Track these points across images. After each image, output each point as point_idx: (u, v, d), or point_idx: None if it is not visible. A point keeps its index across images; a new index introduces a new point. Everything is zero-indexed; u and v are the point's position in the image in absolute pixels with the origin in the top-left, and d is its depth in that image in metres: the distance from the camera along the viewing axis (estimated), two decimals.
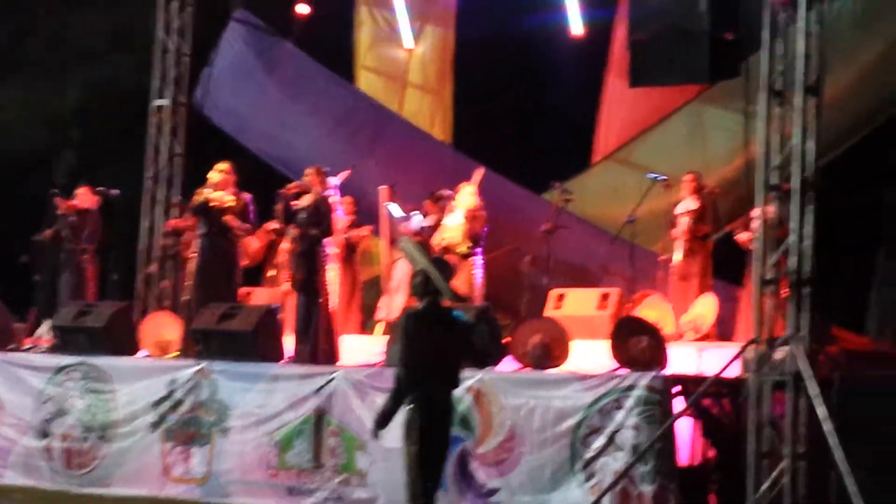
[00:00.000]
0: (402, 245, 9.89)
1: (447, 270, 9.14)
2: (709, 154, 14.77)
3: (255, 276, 15.03)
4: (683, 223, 13.46)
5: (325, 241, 12.67)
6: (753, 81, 10.68)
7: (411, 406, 8.66)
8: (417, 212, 14.65)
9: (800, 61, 10.27)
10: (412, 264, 9.26)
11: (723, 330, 12.97)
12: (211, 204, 12.90)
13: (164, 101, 16.58)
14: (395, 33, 17.62)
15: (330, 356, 12.31)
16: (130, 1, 18.67)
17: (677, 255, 13.39)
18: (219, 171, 13.06)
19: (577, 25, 16.00)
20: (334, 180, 13.26)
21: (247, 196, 13.10)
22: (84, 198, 14.92)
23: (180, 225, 15.11)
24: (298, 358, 12.26)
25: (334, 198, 13.20)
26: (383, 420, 8.74)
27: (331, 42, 17.82)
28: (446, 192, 14.16)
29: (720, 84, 12.87)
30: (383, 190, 14.80)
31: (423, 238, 13.97)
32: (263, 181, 15.79)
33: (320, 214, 12.59)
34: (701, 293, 13.14)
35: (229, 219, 12.89)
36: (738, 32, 10.77)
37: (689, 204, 13.53)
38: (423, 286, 8.90)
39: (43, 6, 21.32)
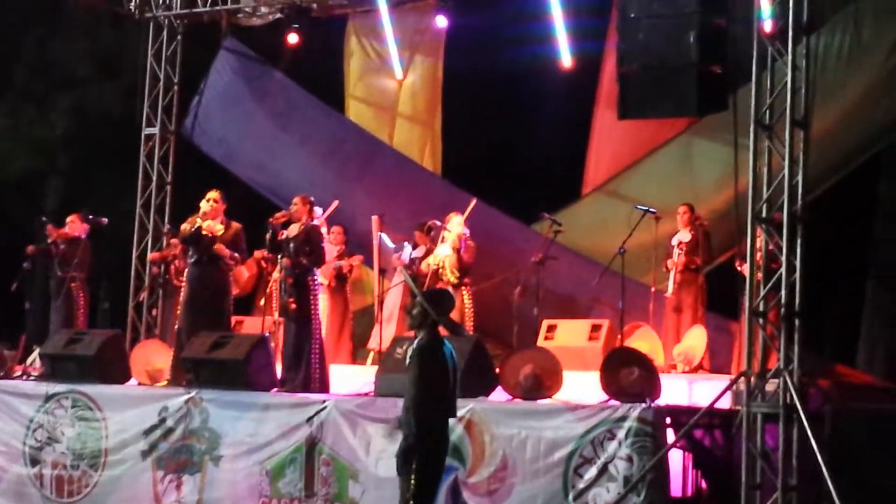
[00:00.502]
0: (404, 276, 9.93)
1: (448, 301, 9.17)
2: (698, 186, 14.85)
3: (245, 304, 15.04)
4: (677, 255, 13.59)
5: (315, 270, 12.71)
6: (742, 114, 10.74)
7: (411, 436, 8.69)
8: (407, 242, 14.71)
9: (788, 95, 10.37)
10: (413, 295, 9.28)
11: (717, 362, 13.05)
12: (202, 232, 12.91)
13: (154, 130, 16.67)
14: (384, 64, 17.65)
15: (321, 385, 12.31)
16: (115, 27, 18.71)
17: (670, 287, 13.51)
18: (209, 200, 13.07)
19: (566, 58, 16.06)
20: (320, 211, 13.27)
21: (237, 225, 13.11)
22: (74, 226, 14.93)
23: (165, 256, 15.15)
24: (288, 387, 12.25)
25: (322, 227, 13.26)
26: (405, 457, 8.73)
27: (320, 72, 17.85)
28: (436, 223, 14.21)
29: (709, 117, 12.93)
30: (375, 220, 14.85)
31: (413, 270, 14.02)
32: (253, 210, 15.83)
33: (310, 243, 12.62)
34: (693, 325, 13.23)
35: (219, 247, 12.89)
36: (727, 66, 10.82)
37: (682, 235, 13.68)
38: (421, 317, 8.95)
39: (28, 32, 21.34)
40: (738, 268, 12.87)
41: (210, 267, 12.93)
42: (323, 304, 13.40)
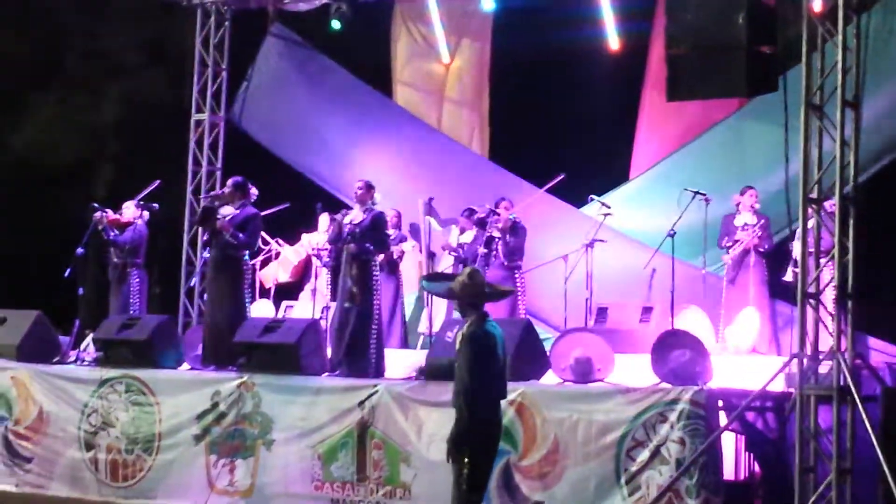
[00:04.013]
0: (423, 286, 9.94)
1: (472, 285, 9.09)
2: (748, 168, 14.78)
3: (295, 289, 15.09)
4: (742, 237, 13.54)
5: (378, 255, 12.60)
6: (792, 95, 10.66)
7: (462, 422, 8.71)
8: (455, 225, 14.71)
9: (839, 75, 10.27)
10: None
11: (772, 345, 13.00)
12: (208, 214, 12.99)
13: (203, 116, 16.79)
14: (431, 48, 17.66)
15: (377, 371, 12.30)
16: (165, 14, 18.81)
17: (732, 267, 13.46)
18: (227, 185, 13.19)
19: (613, 40, 16.02)
20: (379, 197, 13.20)
21: (251, 210, 13.07)
22: (128, 212, 14.98)
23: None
24: (343, 371, 12.23)
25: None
26: (456, 443, 8.74)
27: (367, 57, 17.87)
28: (480, 207, 14.22)
29: (759, 98, 12.82)
30: (421, 203, 14.87)
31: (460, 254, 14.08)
32: (299, 194, 15.91)
33: (377, 230, 12.55)
34: (749, 306, 13.18)
35: (222, 224, 12.83)
36: (776, 46, 10.73)
37: (748, 218, 13.62)
38: (460, 303, 9.00)
39: (78, 20, 21.45)
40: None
41: (222, 252, 12.94)
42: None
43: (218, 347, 12.69)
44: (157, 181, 14.95)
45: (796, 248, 12.98)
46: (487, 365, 8.78)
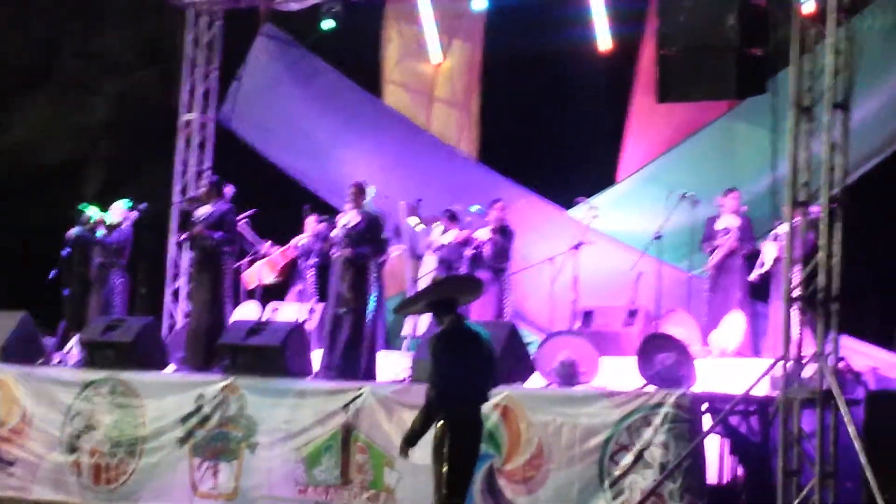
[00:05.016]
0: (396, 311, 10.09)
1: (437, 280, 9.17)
2: (737, 170, 14.73)
3: (283, 291, 15.03)
4: (724, 240, 13.49)
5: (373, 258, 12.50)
6: (782, 98, 10.63)
7: (440, 424, 8.67)
8: (435, 224, 14.64)
9: (828, 78, 10.22)
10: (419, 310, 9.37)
11: (756, 348, 12.97)
12: (188, 218, 13.00)
13: (193, 116, 16.75)
14: (422, 48, 17.59)
15: (367, 374, 12.24)
16: (158, 15, 18.78)
17: (714, 272, 13.43)
18: (202, 185, 13.19)
19: (604, 41, 15.97)
20: (374, 191, 13.12)
21: (225, 206, 13.02)
22: (117, 212, 14.90)
23: None
24: (336, 374, 12.15)
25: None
26: (413, 438, 8.77)
27: (358, 57, 17.83)
28: (460, 208, 14.19)
29: (749, 100, 12.80)
30: (401, 205, 14.82)
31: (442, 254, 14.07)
32: (287, 195, 15.85)
33: (373, 232, 12.47)
34: (732, 310, 13.14)
35: (199, 230, 12.82)
36: (767, 48, 10.70)
37: (731, 221, 13.56)
38: (435, 312, 9.00)
39: (71, 20, 21.42)
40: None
41: (203, 252, 12.90)
42: None
43: (198, 349, 12.66)
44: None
45: (766, 249, 12.98)
46: (455, 363, 8.74)
